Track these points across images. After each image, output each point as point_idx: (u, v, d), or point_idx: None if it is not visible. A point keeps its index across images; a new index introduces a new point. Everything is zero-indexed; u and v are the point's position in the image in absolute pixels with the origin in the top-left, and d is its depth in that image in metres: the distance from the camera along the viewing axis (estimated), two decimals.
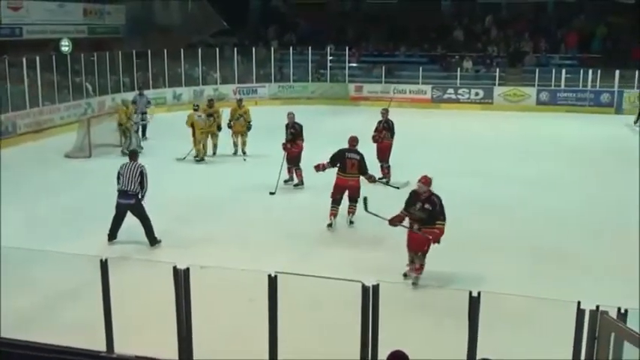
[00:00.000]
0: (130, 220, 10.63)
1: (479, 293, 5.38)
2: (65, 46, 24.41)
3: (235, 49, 29.60)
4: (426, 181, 8.94)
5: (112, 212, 10.72)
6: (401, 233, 9.23)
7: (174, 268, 5.84)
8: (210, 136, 17.49)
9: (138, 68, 26.55)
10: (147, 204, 10.63)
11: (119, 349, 6.25)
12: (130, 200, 10.40)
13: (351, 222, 11.80)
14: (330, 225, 11.59)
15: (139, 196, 10.46)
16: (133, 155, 10.94)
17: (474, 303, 5.40)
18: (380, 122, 14.69)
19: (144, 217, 10.51)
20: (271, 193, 13.72)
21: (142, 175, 10.43)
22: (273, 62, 29.86)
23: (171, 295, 5.92)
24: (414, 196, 8.99)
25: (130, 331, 6.83)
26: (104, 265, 6.05)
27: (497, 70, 28.45)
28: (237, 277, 7.55)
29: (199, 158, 17.01)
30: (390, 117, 14.84)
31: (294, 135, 14.19)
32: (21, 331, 6.41)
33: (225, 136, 17.74)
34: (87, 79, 24.01)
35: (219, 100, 21.14)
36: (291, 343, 6.08)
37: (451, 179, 14.87)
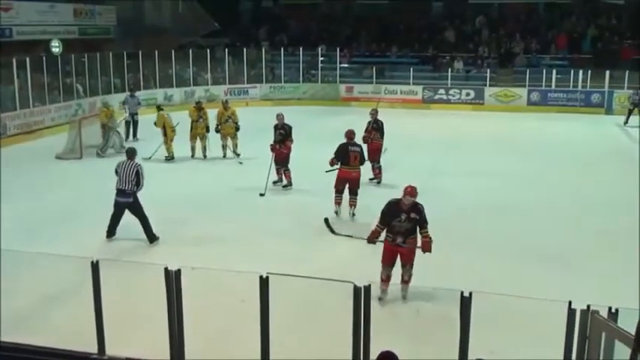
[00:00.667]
0: (128, 217, 10.77)
1: (470, 293, 5.39)
2: (55, 47, 24.30)
3: (226, 50, 29.58)
4: (413, 192, 8.37)
5: (104, 213, 10.81)
6: None
7: (166, 269, 5.83)
8: (199, 138, 17.37)
9: (129, 69, 26.47)
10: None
11: (110, 350, 6.23)
12: (128, 199, 10.60)
13: (353, 214, 12.28)
14: (336, 212, 12.33)
15: (136, 195, 10.68)
16: (130, 154, 11.03)
17: (466, 303, 5.42)
18: (369, 123, 14.67)
19: (142, 215, 10.70)
20: (261, 195, 13.70)
21: (138, 174, 10.60)
22: (264, 63, 29.84)
23: (163, 296, 5.91)
24: (394, 208, 8.43)
25: (122, 333, 6.81)
26: (95, 267, 6.04)
27: (488, 70, 28.52)
28: (230, 279, 7.54)
29: (170, 157, 16.96)
30: (381, 118, 14.82)
31: (284, 136, 14.18)
32: (11, 334, 6.39)
33: (213, 139, 17.54)
34: (77, 80, 23.90)
35: (211, 101, 21.06)
36: (283, 344, 6.08)
37: (442, 180, 15.01)
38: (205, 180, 15.19)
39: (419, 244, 8.52)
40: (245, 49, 29.42)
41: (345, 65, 30.59)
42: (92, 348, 6.21)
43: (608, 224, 11.71)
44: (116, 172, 10.72)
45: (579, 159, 17.50)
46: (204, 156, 17.38)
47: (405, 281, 8.54)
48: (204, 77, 28.89)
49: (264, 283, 5.62)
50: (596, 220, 12.10)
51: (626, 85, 25.95)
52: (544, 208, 12.94)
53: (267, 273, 5.62)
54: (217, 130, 17.25)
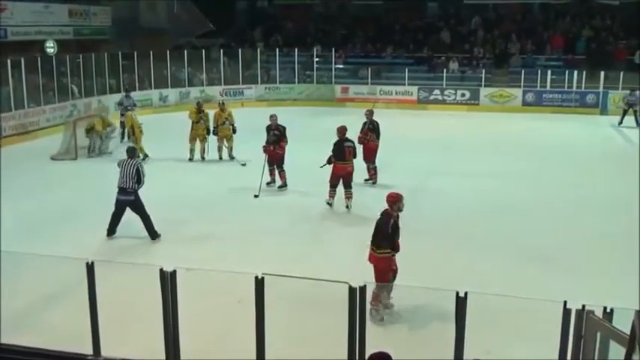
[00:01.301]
0: (128, 215, 10.89)
1: (466, 293, 5.40)
2: (50, 48, 24.25)
3: (221, 50, 29.59)
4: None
5: (103, 213, 10.95)
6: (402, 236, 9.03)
7: (161, 270, 5.83)
8: (199, 140, 17.32)
9: (124, 70, 26.38)
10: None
11: (106, 351, 6.22)
12: (129, 197, 10.75)
13: (350, 207, 12.69)
14: (330, 204, 12.82)
15: (137, 193, 10.82)
16: (130, 152, 11.17)
17: (461, 303, 5.42)
18: (365, 123, 14.66)
19: (143, 213, 10.83)
20: (255, 196, 13.69)
21: (138, 172, 10.74)
22: (260, 64, 29.80)
23: (158, 297, 5.91)
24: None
25: (118, 334, 6.81)
26: (90, 268, 6.03)
27: (484, 71, 28.55)
28: (226, 279, 7.53)
29: (144, 156, 16.81)
30: (377, 118, 14.81)
31: (278, 137, 14.17)
32: (6, 335, 6.37)
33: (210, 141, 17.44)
34: (72, 81, 23.84)
35: (206, 101, 20.98)
36: (279, 344, 6.08)
37: (438, 180, 15.03)
38: (202, 181, 15.17)
39: None
40: (240, 50, 29.37)
41: (341, 66, 30.59)
42: (89, 349, 6.20)
43: (606, 224, 11.76)
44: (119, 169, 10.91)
45: (575, 159, 17.53)
46: (203, 158, 17.33)
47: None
48: (199, 78, 28.87)
49: (259, 283, 5.62)
50: (594, 220, 12.14)
51: (620, 85, 26.00)
52: (542, 208, 12.97)
53: (263, 274, 5.62)
54: (215, 133, 17.16)
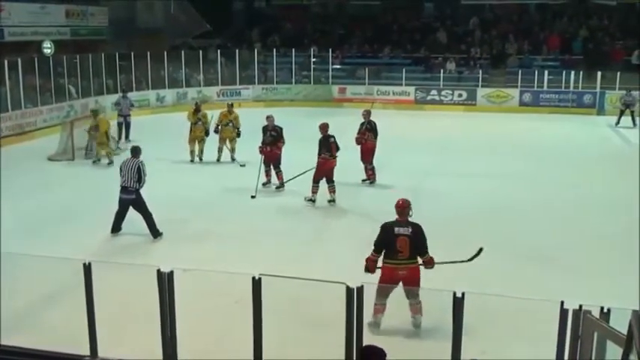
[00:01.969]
0: (129, 214, 10.99)
1: (463, 294, 5.40)
2: (47, 48, 24.20)
3: (219, 51, 29.58)
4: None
5: (103, 212, 11.12)
6: None
7: (158, 271, 5.82)
8: (197, 141, 17.24)
9: (121, 70, 26.39)
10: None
11: (103, 352, 6.21)
12: (131, 195, 10.89)
13: (334, 200, 13.00)
14: (313, 200, 13.06)
15: (139, 191, 10.95)
16: (134, 152, 11.27)
17: (458, 303, 5.42)
18: (362, 124, 14.66)
19: (145, 211, 10.96)
20: (252, 197, 13.68)
21: (140, 171, 10.85)
22: (257, 64, 29.80)
23: (155, 297, 5.90)
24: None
25: (116, 334, 6.80)
26: (87, 269, 6.02)
27: (481, 71, 28.58)
28: (225, 280, 7.53)
29: (109, 161, 16.67)
30: (374, 119, 14.81)
31: (275, 138, 14.17)
32: (6, 335, 6.36)
33: (210, 141, 17.40)
34: (70, 82, 23.81)
35: (203, 102, 20.97)
36: (276, 344, 6.08)
37: (435, 180, 15.02)
38: (201, 182, 15.15)
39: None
40: (237, 50, 29.38)
41: (338, 66, 30.60)
42: (84, 350, 6.19)
43: (604, 224, 11.76)
44: (120, 170, 11.00)
45: (573, 159, 17.54)
46: (200, 159, 17.31)
47: (418, 309, 7.69)
48: (196, 78, 28.85)
49: (256, 284, 5.61)
50: (592, 220, 12.14)
51: (617, 85, 26.03)
52: (540, 208, 12.96)
53: (260, 274, 5.61)
54: (216, 131, 17.00)
